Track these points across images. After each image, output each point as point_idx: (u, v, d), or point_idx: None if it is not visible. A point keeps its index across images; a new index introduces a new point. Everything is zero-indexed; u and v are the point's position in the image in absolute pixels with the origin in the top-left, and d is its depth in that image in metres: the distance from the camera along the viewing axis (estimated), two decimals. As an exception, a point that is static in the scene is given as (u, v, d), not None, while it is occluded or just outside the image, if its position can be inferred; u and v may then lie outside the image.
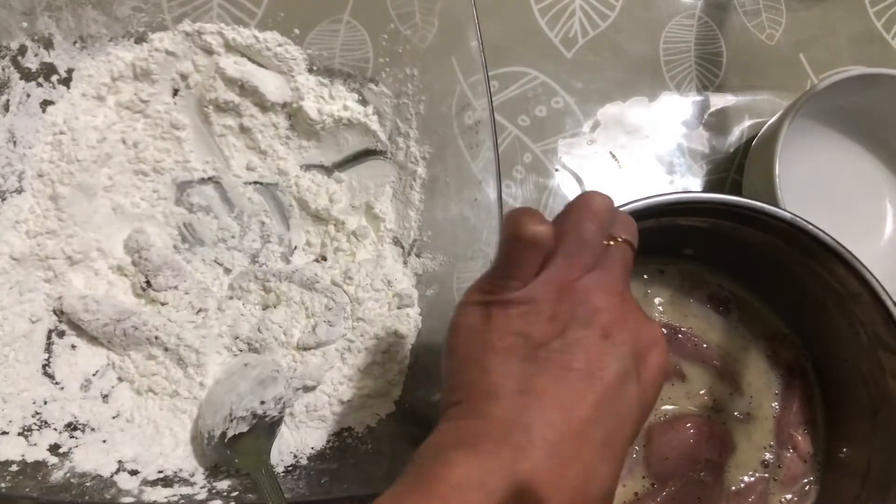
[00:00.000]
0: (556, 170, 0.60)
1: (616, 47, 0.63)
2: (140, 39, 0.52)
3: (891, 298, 0.43)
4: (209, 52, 0.52)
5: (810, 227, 0.44)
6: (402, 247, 0.54)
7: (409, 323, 0.51)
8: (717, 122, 0.63)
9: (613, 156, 0.61)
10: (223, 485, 0.45)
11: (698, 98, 0.63)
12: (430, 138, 0.52)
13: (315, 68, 0.54)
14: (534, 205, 0.59)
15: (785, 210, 0.45)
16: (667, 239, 0.49)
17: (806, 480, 0.49)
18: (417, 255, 0.52)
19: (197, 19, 0.52)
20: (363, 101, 0.54)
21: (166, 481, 0.45)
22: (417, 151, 0.52)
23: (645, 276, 0.52)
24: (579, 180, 0.60)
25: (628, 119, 0.62)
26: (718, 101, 0.63)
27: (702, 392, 0.50)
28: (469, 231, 0.49)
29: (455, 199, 0.51)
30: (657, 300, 0.52)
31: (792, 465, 0.49)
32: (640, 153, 0.62)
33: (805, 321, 0.51)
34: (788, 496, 0.49)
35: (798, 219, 0.44)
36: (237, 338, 0.50)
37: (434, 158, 0.52)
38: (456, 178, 0.50)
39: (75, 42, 0.50)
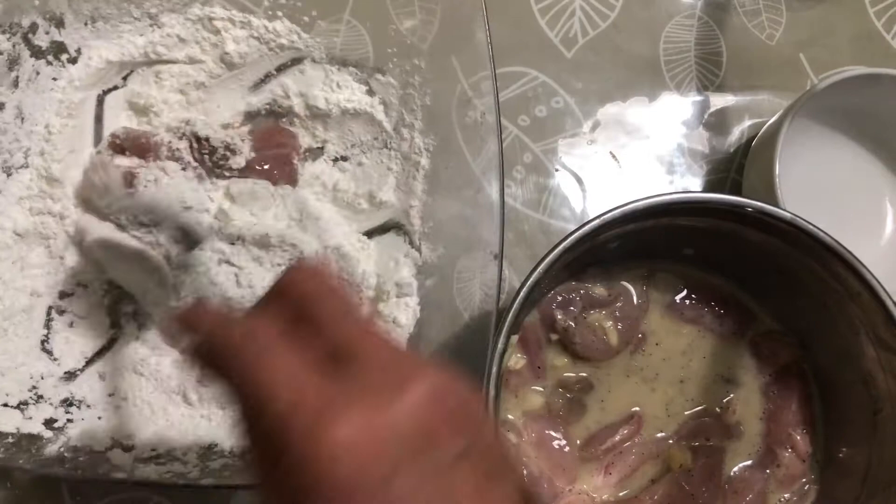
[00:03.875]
0: (556, 170, 0.60)
1: (616, 47, 0.63)
2: (152, 23, 0.52)
3: (891, 298, 0.43)
4: (217, 35, 0.53)
5: (810, 227, 0.44)
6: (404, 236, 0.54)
7: (408, 312, 0.51)
8: (717, 122, 0.63)
9: (613, 156, 0.61)
10: (216, 464, 0.45)
11: (698, 98, 0.63)
12: (435, 130, 0.52)
13: (323, 57, 0.54)
14: (534, 205, 0.59)
15: (785, 210, 0.45)
16: (666, 239, 0.49)
17: (805, 480, 0.49)
18: (418, 247, 0.52)
19: (205, 4, 0.52)
20: (370, 92, 0.54)
21: (159, 459, 0.45)
22: (422, 143, 0.52)
23: (644, 277, 0.52)
24: (579, 180, 0.60)
25: (628, 119, 0.62)
26: (718, 101, 0.63)
27: (698, 391, 0.50)
28: (471, 225, 0.49)
29: (456, 194, 0.51)
30: (656, 300, 0.52)
31: (791, 464, 0.49)
32: (640, 153, 0.62)
33: (805, 321, 0.51)
34: (787, 495, 0.49)
35: (798, 219, 0.44)
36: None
37: (438, 150, 0.52)
38: (458, 174, 0.50)
39: (86, 22, 0.51)
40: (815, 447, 0.50)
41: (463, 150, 0.50)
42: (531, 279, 0.42)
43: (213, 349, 0.28)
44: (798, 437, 0.50)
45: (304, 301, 0.28)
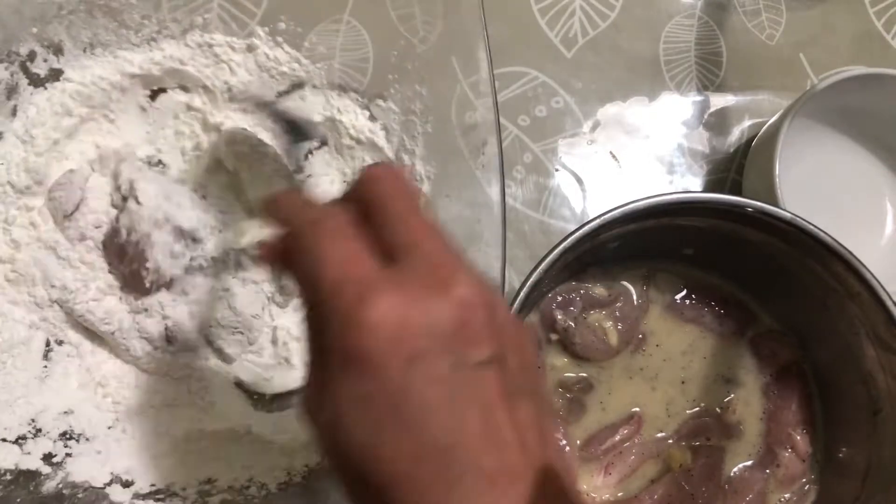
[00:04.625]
0: (556, 170, 0.60)
1: (616, 47, 0.63)
2: (152, 49, 0.52)
3: (891, 298, 0.43)
4: (217, 60, 0.53)
5: (810, 227, 0.44)
6: None
7: None
8: (717, 122, 0.63)
9: (613, 156, 0.61)
10: (215, 500, 0.45)
11: (698, 98, 0.63)
12: (435, 157, 0.52)
13: (324, 83, 0.54)
14: (534, 205, 0.59)
15: (785, 210, 0.45)
16: (666, 239, 0.49)
17: (805, 480, 0.50)
18: None
19: (197, 18, 0.52)
20: (371, 118, 0.54)
21: (158, 494, 0.45)
22: (423, 170, 0.52)
23: (644, 277, 0.52)
24: (579, 180, 0.60)
25: (628, 119, 0.62)
26: (718, 101, 0.63)
27: (698, 391, 0.50)
28: (472, 236, 0.49)
29: (455, 203, 0.50)
30: (656, 300, 0.52)
31: (790, 464, 0.49)
32: (640, 153, 0.62)
33: (805, 321, 0.51)
34: (787, 495, 0.49)
35: (798, 219, 0.44)
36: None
37: (438, 178, 0.52)
38: (457, 185, 0.50)
39: (85, 49, 0.50)
40: (815, 447, 0.50)
41: (465, 158, 0.49)
42: (531, 279, 0.42)
43: (288, 235, 0.30)
44: (798, 437, 0.50)
45: (376, 198, 0.30)
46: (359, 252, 0.28)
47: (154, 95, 0.53)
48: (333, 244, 0.28)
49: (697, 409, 0.50)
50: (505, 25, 0.62)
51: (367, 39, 0.53)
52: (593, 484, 0.48)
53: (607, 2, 0.64)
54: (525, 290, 0.41)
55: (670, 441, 0.49)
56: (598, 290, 0.51)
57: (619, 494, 0.48)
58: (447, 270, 0.27)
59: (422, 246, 0.28)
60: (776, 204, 0.49)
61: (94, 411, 0.48)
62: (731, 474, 0.49)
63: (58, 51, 0.49)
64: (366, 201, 0.30)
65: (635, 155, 0.62)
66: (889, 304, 0.43)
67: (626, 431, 0.48)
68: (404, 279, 0.27)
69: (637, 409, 0.49)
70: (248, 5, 0.52)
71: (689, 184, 0.62)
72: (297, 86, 0.54)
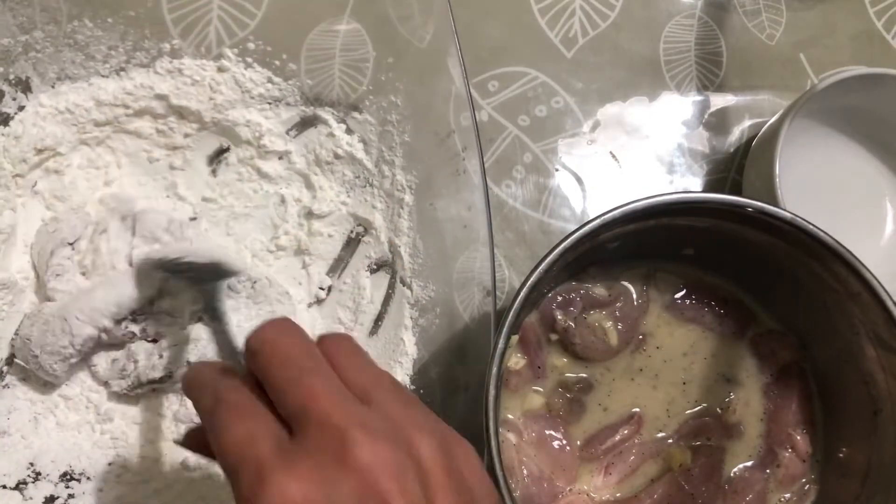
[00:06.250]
0: (557, 170, 0.60)
1: (616, 47, 0.63)
2: (121, 78, 0.52)
3: (891, 298, 0.43)
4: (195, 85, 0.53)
5: (810, 227, 0.44)
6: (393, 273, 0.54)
7: (404, 351, 0.51)
8: (717, 122, 0.63)
9: (613, 156, 0.61)
10: None
11: (698, 98, 0.63)
12: (416, 166, 0.52)
13: (297, 100, 0.54)
14: (534, 205, 0.59)
15: (785, 210, 0.45)
16: (667, 239, 0.49)
17: (805, 480, 0.49)
18: (409, 284, 0.52)
19: (198, 20, 0.52)
20: (348, 130, 0.54)
21: None
22: (404, 179, 0.52)
23: (644, 277, 0.52)
24: (579, 180, 0.60)
25: (628, 119, 0.62)
26: (718, 101, 0.63)
27: (699, 391, 0.50)
28: (460, 258, 0.49)
29: (444, 224, 0.50)
30: (656, 300, 0.52)
31: (790, 464, 0.49)
32: (640, 153, 0.62)
33: (805, 321, 0.51)
34: (787, 495, 0.49)
35: (798, 219, 0.44)
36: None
37: (421, 185, 0.52)
38: (444, 202, 0.50)
39: (53, 84, 0.50)
40: (815, 447, 0.50)
41: (450, 176, 0.49)
42: (531, 279, 0.42)
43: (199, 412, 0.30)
44: (798, 437, 0.50)
45: (259, 370, 0.29)
46: (255, 430, 0.27)
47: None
48: (232, 423, 0.27)
49: (698, 409, 0.50)
50: (505, 25, 0.62)
51: (367, 38, 0.53)
52: (593, 484, 0.48)
53: (607, 2, 0.64)
54: (525, 290, 0.41)
55: (670, 441, 0.49)
56: (598, 290, 0.51)
57: (619, 494, 0.48)
58: (340, 436, 0.26)
59: (311, 412, 0.27)
60: (776, 204, 0.49)
61: (93, 450, 0.47)
62: (731, 474, 0.49)
63: (26, 88, 0.49)
64: (254, 373, 0.29)
65: (635, 155, 0.62)
66: (889, 304, 0.43)
67: (626, 431, 0.48)
68: (297, 456, 0.26)
69: (637, 409, 0.49)
70: (247, 6, 0.52)
71: (689, 184, 0.62)
72: (273, 103, 0.54)
